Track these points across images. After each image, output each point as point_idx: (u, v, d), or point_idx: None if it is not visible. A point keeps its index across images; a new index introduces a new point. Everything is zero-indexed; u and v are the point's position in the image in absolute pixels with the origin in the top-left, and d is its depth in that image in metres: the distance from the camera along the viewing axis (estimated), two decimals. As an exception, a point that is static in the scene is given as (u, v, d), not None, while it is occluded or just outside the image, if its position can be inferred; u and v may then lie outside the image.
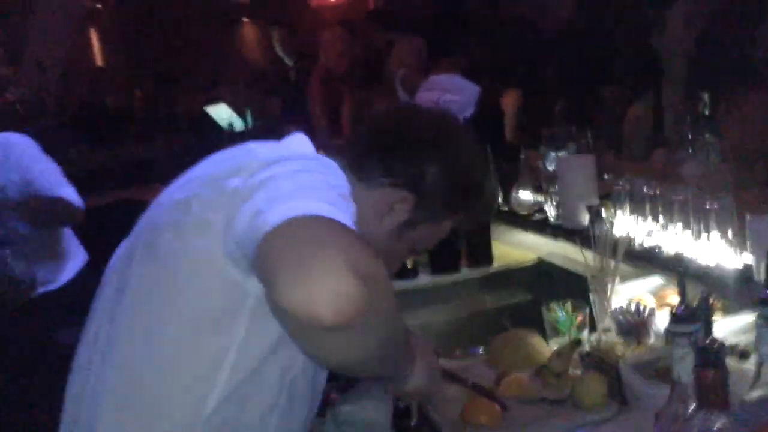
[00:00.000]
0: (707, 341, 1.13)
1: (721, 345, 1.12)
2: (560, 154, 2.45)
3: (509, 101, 3.88)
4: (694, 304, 1.79)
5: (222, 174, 1.19)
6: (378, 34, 4.84)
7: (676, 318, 1.15)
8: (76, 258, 3.23)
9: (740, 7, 2.59)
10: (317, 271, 0.91)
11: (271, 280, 0.96)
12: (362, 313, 0.93)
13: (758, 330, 1.18)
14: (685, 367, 1.11)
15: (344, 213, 1.04)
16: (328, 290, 0.91)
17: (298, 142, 1.35)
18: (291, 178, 1.10)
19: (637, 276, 2.11)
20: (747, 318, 1.77)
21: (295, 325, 0.96)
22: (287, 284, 0.93)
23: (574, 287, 2.26)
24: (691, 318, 1.14)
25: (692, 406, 1.13)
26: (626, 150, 2.98)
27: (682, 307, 1.16)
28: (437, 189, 1.36)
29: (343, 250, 0.95)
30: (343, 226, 1.01)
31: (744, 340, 1.74)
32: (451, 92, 3.36)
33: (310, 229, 0.99)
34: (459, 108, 3.17)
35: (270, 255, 0.98)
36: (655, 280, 2.10)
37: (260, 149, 1.25)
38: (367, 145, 1.38)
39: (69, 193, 3.05)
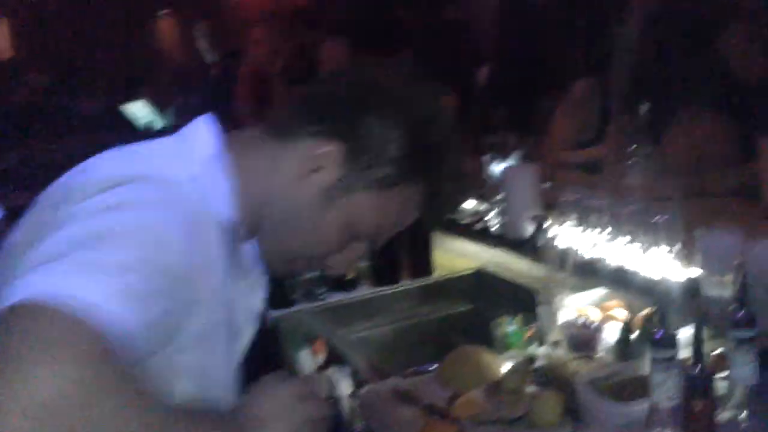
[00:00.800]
0: (697, 370, 1.11)
1: (710, 375, 1.09)
2: (504, 162, 2.43)
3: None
4: (641, 316, 1.82)
5: (55, 197, 1.03)
6: (305, 33, 4.73)
7: (656, 342, 1.12)
8: None
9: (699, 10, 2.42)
10: None
11: None
12: None
13: (729, 354, 1.17)
14: (665, 393, 1.08)
15: (118, 282, 0.85)
16: None
17: (192, 137, 1.13)
18: (90, 223, 0.92)
19: (580, 288, 2.10)
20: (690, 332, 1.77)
21: None
22: None
23: (516, 298, 2.24)
24: (672, 342, 1.11)
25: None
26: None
27: (662, 332, 1.13)
28: (376, 139, 1.09)
29: (31, 370, 0.75)
30: (77, 325, 0.80)
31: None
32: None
33: (26, 326, 0.79)
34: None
35: None
36: (598, 292, 2.09)
37: (105, 164, 1.07)
38: (294, 99, 1.16)
39: None
